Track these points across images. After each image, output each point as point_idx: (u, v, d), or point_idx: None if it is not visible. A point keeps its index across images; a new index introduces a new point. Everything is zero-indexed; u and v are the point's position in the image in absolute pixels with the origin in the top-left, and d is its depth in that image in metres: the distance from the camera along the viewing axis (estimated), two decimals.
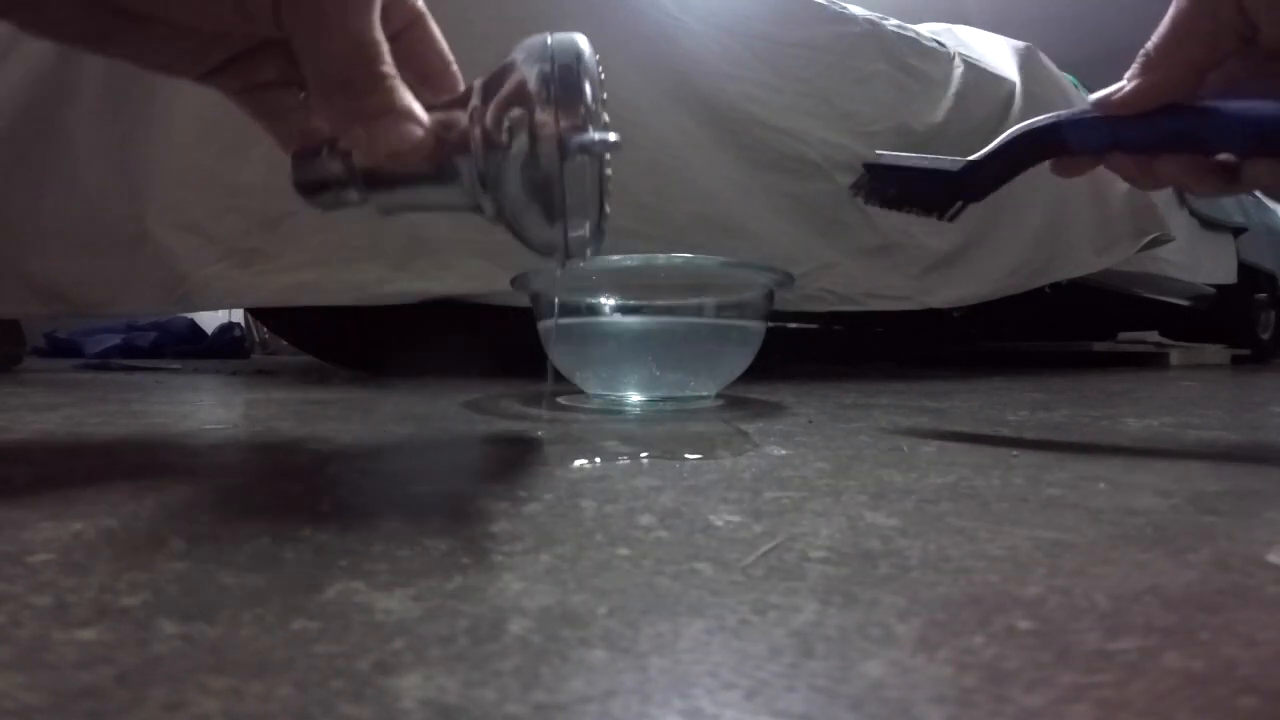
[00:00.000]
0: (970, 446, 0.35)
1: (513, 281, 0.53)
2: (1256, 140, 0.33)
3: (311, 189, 0.28)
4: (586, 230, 0.28)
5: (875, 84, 1.10)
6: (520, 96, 0.25)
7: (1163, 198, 1.55)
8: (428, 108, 0.26)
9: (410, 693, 0.11)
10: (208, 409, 0.54)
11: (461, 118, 0.26)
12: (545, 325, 0.53)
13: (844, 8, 1.11)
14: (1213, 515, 0.22)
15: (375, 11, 0.24)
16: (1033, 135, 0.38)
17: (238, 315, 2.21)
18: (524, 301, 0.56)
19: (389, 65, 0.25)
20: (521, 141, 0.25)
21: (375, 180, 0.27)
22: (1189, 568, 0.17)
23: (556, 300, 0.51)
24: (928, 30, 1.28)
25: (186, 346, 1.92)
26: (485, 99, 0.26)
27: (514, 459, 0.30)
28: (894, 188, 0.42)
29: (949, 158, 0.40)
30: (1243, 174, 0.34)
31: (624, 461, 0.30)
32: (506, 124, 0.25)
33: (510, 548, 0.18)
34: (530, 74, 0.25)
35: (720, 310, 0.53)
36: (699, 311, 0.53)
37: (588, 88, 0.25)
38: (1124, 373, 1.19)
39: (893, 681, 0.11)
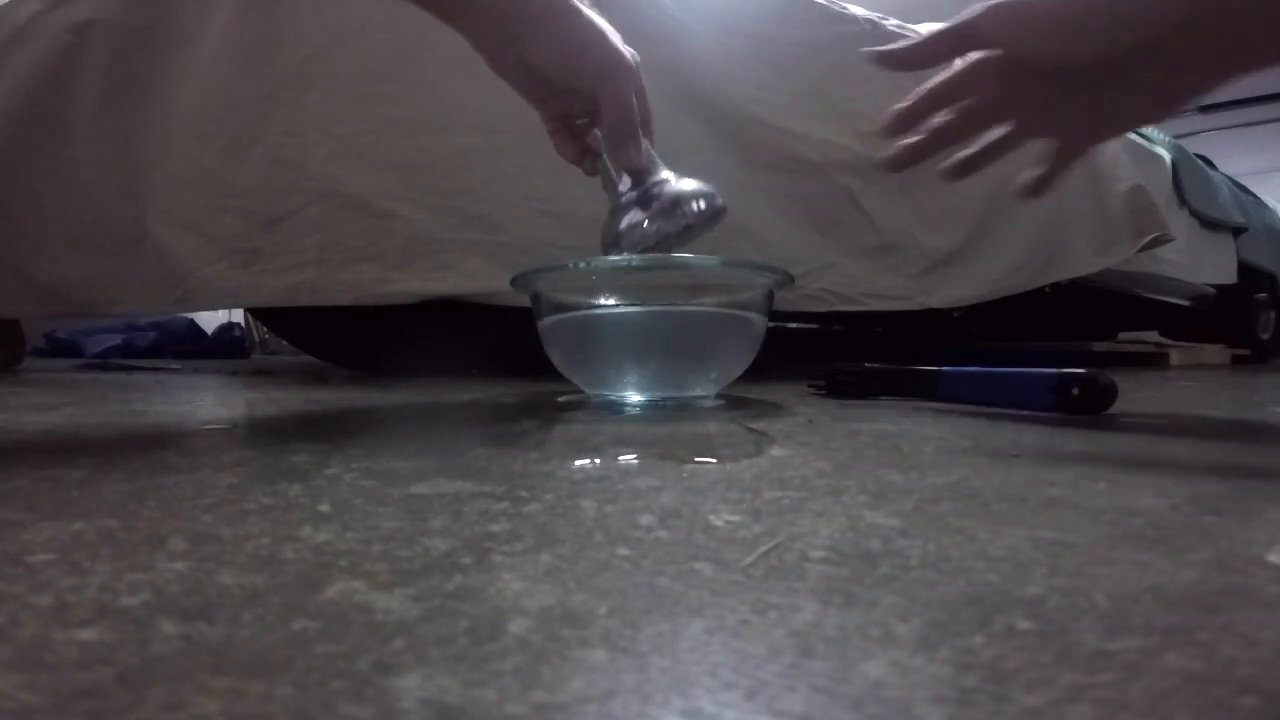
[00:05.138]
0: (970, 446, 0.35)
1: (513, 281, 0.53)
2: (1046, 394, 0.46)
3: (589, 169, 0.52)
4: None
5: (875, 84, 1.10)
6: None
7: (1162, 198, 1.55)
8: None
9: (410, 693, 0.11)
10: (208, 409, 0.54)
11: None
12: (545, 324, 0.53)
13: (844, 8, 1.11)
14: (1213, 515, 0.22)
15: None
16: (917, 374, 0.56)
17: (238, 315, 2.21)
18: (524, 301, 0.56)
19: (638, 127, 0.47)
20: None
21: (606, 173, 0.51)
22: (1189, 568, 0.17)
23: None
24: (928, 30, 1.28)
25: (186, 346, 1.92)
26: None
27: (514, 459, 0.30)
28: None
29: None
30: None
31: (624, 461, 0.30)
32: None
33: (510, 548, 0.18)
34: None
35: (720, 311, 0.53)
36: (699, 312, 0.53)
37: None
38: (1124, 373, 1.19)
39: (893, 681, 0.11)
